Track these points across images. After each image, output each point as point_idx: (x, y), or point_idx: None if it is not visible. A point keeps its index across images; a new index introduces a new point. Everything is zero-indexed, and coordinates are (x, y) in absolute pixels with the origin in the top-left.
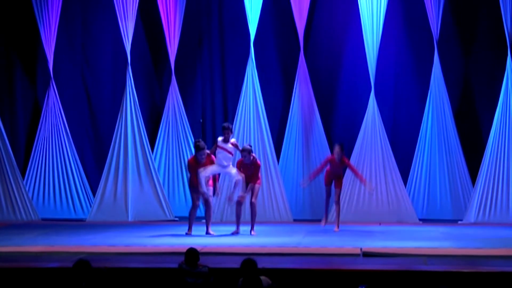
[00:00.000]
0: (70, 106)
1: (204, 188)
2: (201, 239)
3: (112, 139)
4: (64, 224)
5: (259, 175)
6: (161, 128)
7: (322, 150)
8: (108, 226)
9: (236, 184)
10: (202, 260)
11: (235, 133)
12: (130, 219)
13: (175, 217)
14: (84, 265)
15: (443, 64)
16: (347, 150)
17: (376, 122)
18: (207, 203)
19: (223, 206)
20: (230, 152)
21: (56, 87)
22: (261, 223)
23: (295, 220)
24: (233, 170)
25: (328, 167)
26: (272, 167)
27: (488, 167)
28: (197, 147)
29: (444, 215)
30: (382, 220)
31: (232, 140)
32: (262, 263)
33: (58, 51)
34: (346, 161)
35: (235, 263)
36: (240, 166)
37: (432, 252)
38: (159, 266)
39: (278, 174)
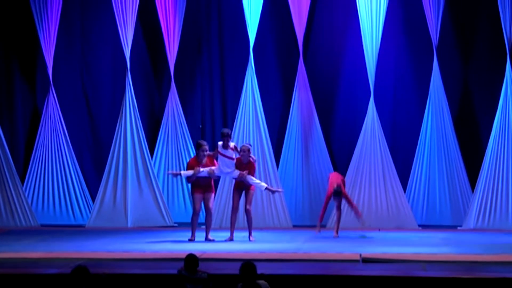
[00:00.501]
0: (69, 112)
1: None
2: (200, 245)
3: (111, 145)
4: (63, 230)
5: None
6: (161, 134)
7: (321, 155)
8: (107, 232)
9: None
10: (202, 266)
11: (235, 138)
12: (129, 225)
13: (175, 223)
14: (82, 271)
15: (442, 70)
16: (347, 154)
17: (375, 128)
18: (207, 209)
19: (223, 212)
20: (231, 158)
21: (56, 93)
22: (261, 229)
23: (294, 226)
24: (235, 173)
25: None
26: (271, 172)
27: (488, 172)
28: (198, 145)
29: (443, 221)
30: (381, 226)
31: (232, 144)
32: (261, 269)
33: (58, 57)
34: (344, 191)
35: (235, 269)
36: (237, 165)
37: (431, 258)
38: (158, 272)
39: (277, 179)
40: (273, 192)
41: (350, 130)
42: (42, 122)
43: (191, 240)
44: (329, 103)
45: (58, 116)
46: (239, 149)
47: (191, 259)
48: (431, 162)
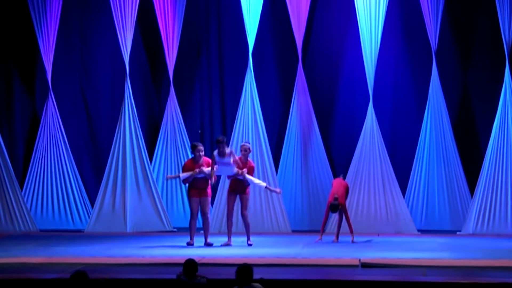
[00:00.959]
0: (68, 117)
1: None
2: (199, 250)
3: (110, 150)
4: (62, 235)
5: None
6: (160, 139)
7: (320, 160)
8: (106, 237)
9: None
10: (201, 271)
11: (234, 144)
12: (128, 230)
13: (174, 228)
14: (81, 276)
15: (441, 75)
16: (346, 159)
17: (374, 133)
18: (204, 214)
19: (222, 216)
20: (229, 164)
21: (55, 98)
22: (260, 234)
23: (293, 231)
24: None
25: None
26: (270, 177)
27: (487, 177)
28: (193, 146)
29: (442, 226)
30: (380, 231)
31: (227, 150)
32: (260, 274)
33: (57, 62)
34: (343, 204)
35: (233, 274)
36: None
37: (430, 263)
38: (157, 277)
39: (276, 184)
40: (272, 191)
41: (349, 135)
42: (41, 127)
43: (189, 243)
44: (328, 109)
45: (57, 121)
46: (239, 149)
47: (190, 264)
48: (430, 167)
